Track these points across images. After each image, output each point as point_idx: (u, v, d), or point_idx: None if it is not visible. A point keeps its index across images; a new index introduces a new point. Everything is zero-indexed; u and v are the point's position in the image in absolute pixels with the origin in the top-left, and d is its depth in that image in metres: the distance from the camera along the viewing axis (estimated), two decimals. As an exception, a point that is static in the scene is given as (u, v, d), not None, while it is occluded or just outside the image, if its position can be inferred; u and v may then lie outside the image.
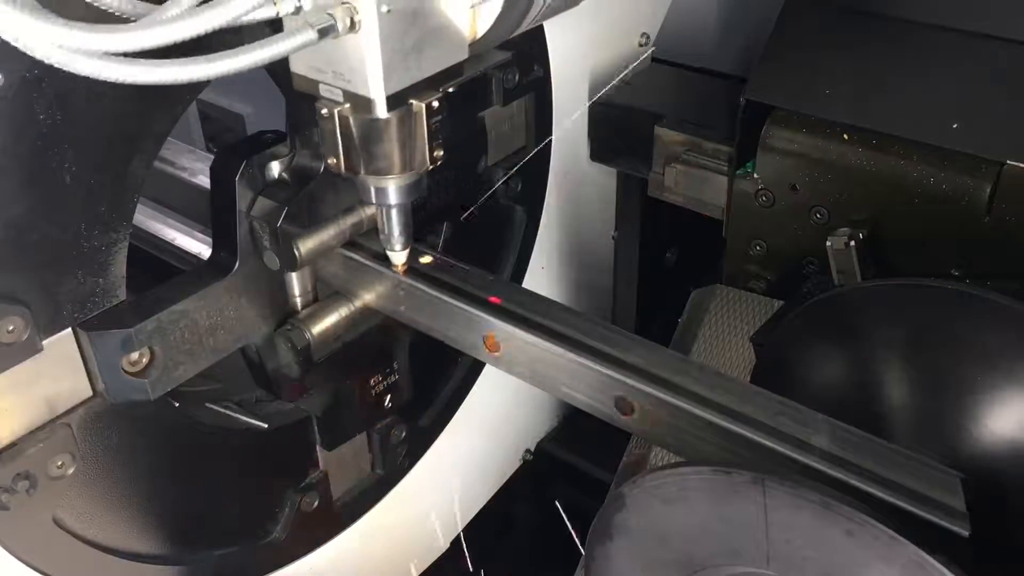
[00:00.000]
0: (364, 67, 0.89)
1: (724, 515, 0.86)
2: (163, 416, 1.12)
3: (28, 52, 0.71)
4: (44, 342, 0.96)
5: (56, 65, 0.72)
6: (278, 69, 0.94)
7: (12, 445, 0.97)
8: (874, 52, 1.29)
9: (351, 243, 1.14)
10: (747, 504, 0.82)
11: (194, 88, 1.02)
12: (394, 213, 1.04)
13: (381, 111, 0.92)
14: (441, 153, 1.00)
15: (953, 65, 1.24)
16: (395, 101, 0.92)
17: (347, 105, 0.93)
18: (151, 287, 1.07)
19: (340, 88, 0.92)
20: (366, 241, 1.14)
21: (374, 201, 1.02)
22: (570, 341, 1.01)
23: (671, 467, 0.88)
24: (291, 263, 1.08)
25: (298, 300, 1.17)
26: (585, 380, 1.00)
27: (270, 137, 1.12)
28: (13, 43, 0.71)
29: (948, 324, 1.10)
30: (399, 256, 1.08)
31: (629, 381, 0.96)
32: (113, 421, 1.05)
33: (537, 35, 1.37)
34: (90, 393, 1.02)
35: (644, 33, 1.64)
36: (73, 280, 0.97)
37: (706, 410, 0.93)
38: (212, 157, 1.16)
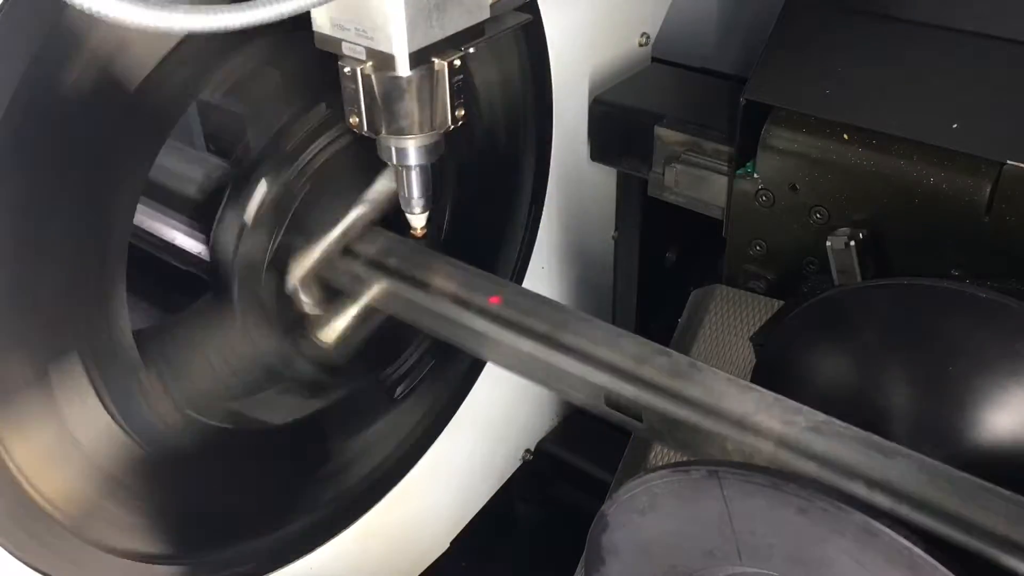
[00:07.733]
0: (388, 23, 0.89)
1: (692, 515, 0.85)
2: None
3: None
4: None
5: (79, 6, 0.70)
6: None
7: None
8: (874, 52, 1.28)
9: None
10: (709, 500, 0.82)
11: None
12: (414, 174, 1.04)
13: (403, 69, 0.92)
14: (463, 113, 1.00)
15: (953, 65, 1.24)
16: (417, 59, 0.93)
17: (369, 63, 0.93)
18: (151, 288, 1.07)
19: (363, 46, 0.92)
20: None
21: (394, 162, 1.02)
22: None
23: (637, 477, 0.87)
24: None
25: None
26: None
27: None
28: None
29: (948, 323, 1.10)
30: (419, 219, 1.08)
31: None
32: None
33: (537, 35, 1.36)
34: None
35: (644, 33, 1.64)
36: None
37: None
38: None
